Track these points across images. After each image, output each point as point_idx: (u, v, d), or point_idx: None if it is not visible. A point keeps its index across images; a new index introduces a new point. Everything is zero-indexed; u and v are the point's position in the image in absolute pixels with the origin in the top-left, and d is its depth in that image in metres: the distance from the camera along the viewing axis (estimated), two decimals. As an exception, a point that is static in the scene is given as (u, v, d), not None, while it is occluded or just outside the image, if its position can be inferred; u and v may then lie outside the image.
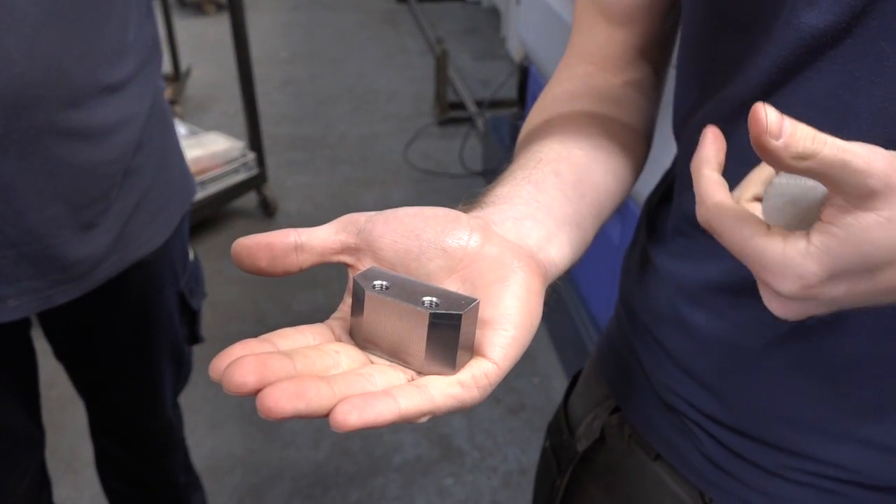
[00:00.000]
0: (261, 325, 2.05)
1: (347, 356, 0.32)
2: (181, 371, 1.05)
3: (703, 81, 0.45)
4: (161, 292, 0.93)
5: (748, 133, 0.41)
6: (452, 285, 0.34)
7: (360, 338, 0.33)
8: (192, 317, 1.01)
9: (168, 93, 2.98)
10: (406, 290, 0.32)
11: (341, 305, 0.36)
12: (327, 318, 0.36)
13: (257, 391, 0.26)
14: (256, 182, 2.48)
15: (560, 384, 1.85)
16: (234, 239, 0.34)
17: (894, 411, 0.41)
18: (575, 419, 0.63)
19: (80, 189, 0.71)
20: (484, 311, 0.32)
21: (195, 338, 1.04)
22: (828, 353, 0.41)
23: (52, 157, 0.67)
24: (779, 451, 0.46)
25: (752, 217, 0.30)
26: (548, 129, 0.48)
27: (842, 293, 0.29)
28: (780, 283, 0.29)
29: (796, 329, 0.42)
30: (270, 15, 4.85)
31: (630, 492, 0.57)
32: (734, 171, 0.43)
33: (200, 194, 2.27)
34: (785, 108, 0.38)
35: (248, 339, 0.30)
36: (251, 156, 2.44)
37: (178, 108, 3.12)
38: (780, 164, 0.27)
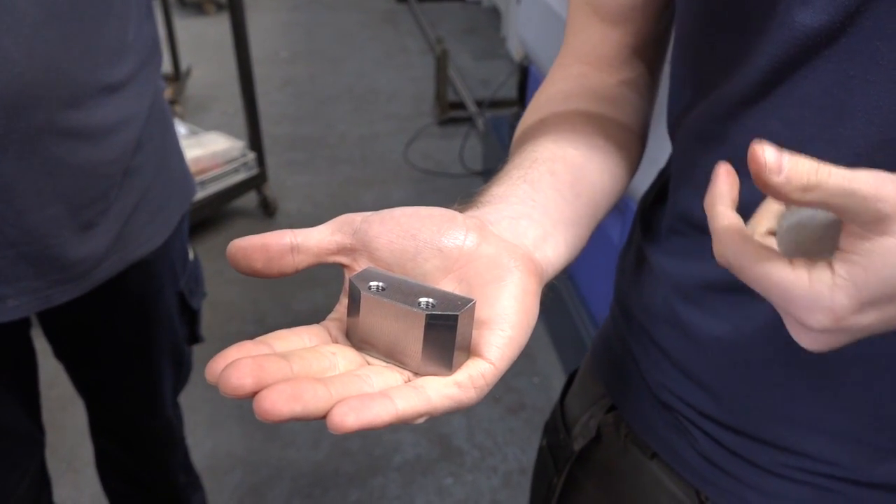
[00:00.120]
0: (260, 325, 2.05)
1: (344, 358, 0.32)
2: (181, 371, 1.05)
3: (698, 81, 0.45)
4: (161, 292, 0.93)
5: (744, 132, 0.41)
6: (449, 285, 0.34)
7: (356, 339, 0.33)
8: (191, 317, 1.01)
9: (168, 92, 2.98)
10: (402, 290, 0.32)
11: (337, 306, 0.36)
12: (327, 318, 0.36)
13: (254, 394, 0.26)
14: (256, 182, 2.48)
15: (560, 384, 1.85)
16: (234, 239, 0.34)
17: (888, 409, 0.41)
18: (571, 418, 0.63)
19: (80, 189, 0.72)
20: (480, 312, 0.32)
21: (195, 338, 1.05)
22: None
23: (52, 156, 0.67)
24: (775, 448, 0.46)
25: (772, 252, 0.30)
26: (543, 128, 0.48)
27: (872, 321, 0.29)
28: (810, 317, 0.29)
29: None
30: (270, 14, 4.85)
31: (627, 490, 0.57)
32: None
33: (200, 194, 2.27)
34: (780, 107, 0.39)
35: (244, 342, 0.30)
36: (251, 155, 2.44)
37: (178, 108, 3.12)
38: (786, 199, 0.27)
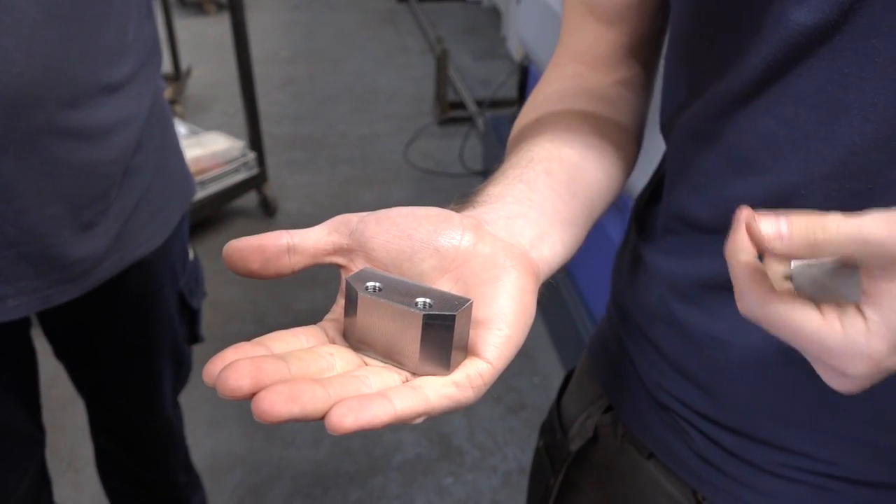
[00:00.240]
0: (261, 325, 2.05)
1: (341, 358, 0.32)
2: (181, 371, 1.05)
3: (692, 79, 0.45)
4: (161, 292, 0.93)
5: (739, 130, 0.41)
6: (445, 285, 0.34)
7: (353, 339, 0.33)
8: (191, 316, 1.01)
9: (168, 92, 2.98)
10: (399, 291, 0.32)
11: (334, 307, 0.36)
12: None
13: (252, 395, 0.26)
14: (257, 182, 2.48)
15: (560, 383, 1.85)
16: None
17: (885, 408, 0.41)
18: (568, 419, 0.63)
19: (80, 189, 0.72)
20: (477, 311, 0.32)
21: (195, 337, 1.05)
22: None
23: (52, 156, 0.67)
24: (771, 448, 0.46)
25: (800, 303, 0.30)
26: (539, 128, 0.48)
27: None
28: (849, 366, 0.29)
29: None
30: (271, 14, 4.85)
31: (624, 491, 0.57)
32: (725, 170, 0.43)
33: (200, 194, 2.27)
34: (774, 105, 0.39)
35: (242, 343, 0.29)
36: (251, 155, 2.44)
37: (178, 108, 3.12)
38: (797, 258, 0.27)
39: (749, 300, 0.31)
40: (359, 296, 0.32)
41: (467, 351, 0.32)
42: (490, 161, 2.73)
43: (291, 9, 5.02)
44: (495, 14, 4.73)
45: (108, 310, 0.89)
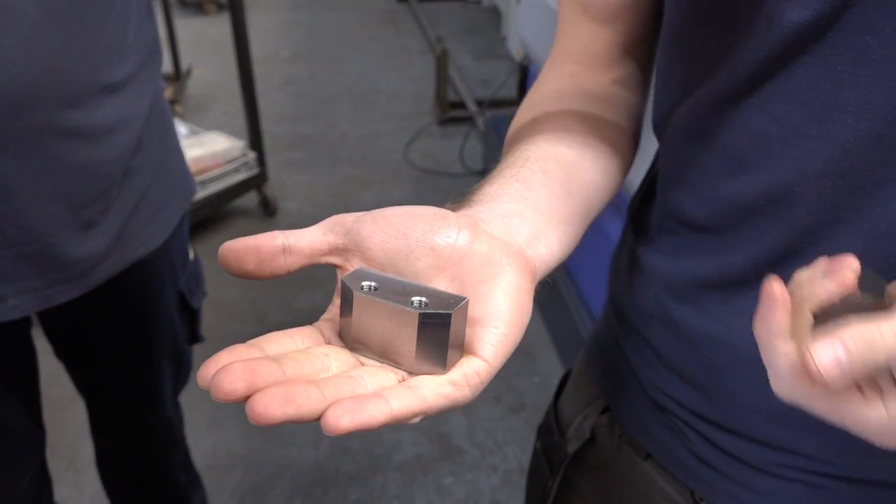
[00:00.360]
0: (261, 325, 2.05)
1: (337, 359, 0.31)
2: (181, 370, 1.05)
3: (685, 78, 0.45)
4: (161, 292, 0.93)
5: (731, 128, 0.41)
6: (442, 284, 0.34)
7: (349, 339, 0.33)
8: (192, 316, 1.02)
9: (168, 92, 2.98)
10: (395, 290, 0.32)
11: (330, 307, 0.35)
12: None
13: (246, 398, 0.26)
14: (257, 181, 2.48)
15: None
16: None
17: None
18: (565, 420, 0.63)
19: (80, 188, 0.72)
20: (474, 309, 0.32)
21: (195, 337, 1.05)
22: None
23: (52, 156, 0.67)
24: (768, 447, 0.46)
25: (843, 391, 0.30)
26: (535, 127, 0.48)
27: None
28: (893, 442, 0.30)
29: None
30: (271, 14, 4.85)
31: (621, 491, 0.57)
32: (719, 168, 0.43)
33: (201, 194, 2.27)
34: (767, 103, 0.39)
35: (236, 345, 0.29)
36: (251, 155, 2.44)
37: (178, 108, 3.12)
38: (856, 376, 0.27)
39: (792, 387, 0.30)
40: (354, 295, 0.31)
41: (464, 349, 0.32)
42: (490, 161, 2.73)
43: (291, 9, 5.02)
44: (495, 14, 4.73)
45: (108, 309, 0.89)
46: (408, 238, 0.34)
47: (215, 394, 0.26)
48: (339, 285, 0.35)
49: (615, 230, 1.60)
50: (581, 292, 1.80)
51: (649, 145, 0.54)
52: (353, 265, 0.35)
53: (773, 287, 0.30)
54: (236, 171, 2.40)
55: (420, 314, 0.30)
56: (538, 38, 2.02)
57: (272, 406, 0.26)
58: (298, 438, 1.70)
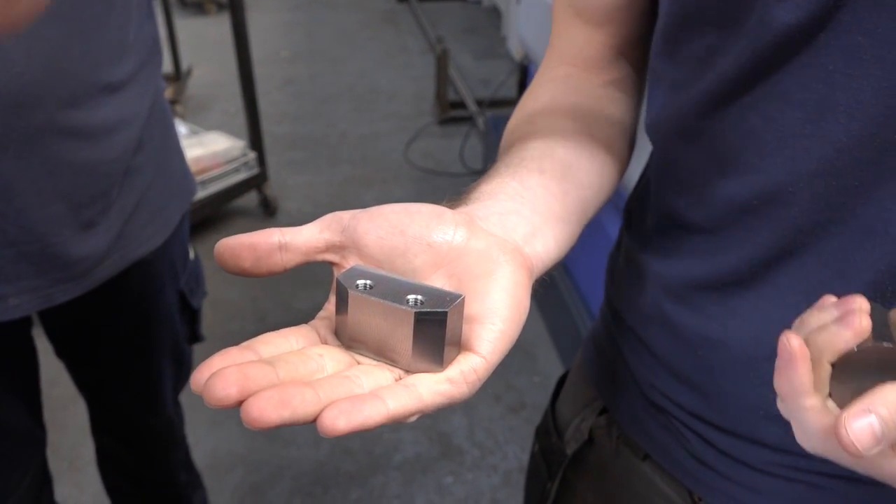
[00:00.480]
0: (261, 324, 2.05)
1: (332, 359, 0.31)
2: (182, 370, 1.05)
3: (677, 79, 0.45)
4: (161, 291, 0.93)
5: (724, 128, 0.41)
6: (438, 280, 0.34)
7: (345, 337, 0.33)
8: (192, 316, 1.02)
9: (169, 92, 2.98)
10: (390, 288, 0.31)
11: (326, 304, 0.35)
12: None
13: (240, 403, 0.26)
14: (257, 181, 2.48)
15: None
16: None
17: None
18: (563, 422, 0.62)
19: (81, 188, 0.72)
20: (471, 306, 0.32)
21: (196, 337, 1.05)
22: None
23: (53, 156, 0.67)
24: (766, 448, 0.46)
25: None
26: (531, 128, 0.48)
27: None
28: None
29: (781, 326, 0.42)
30: (271, 14, 4.86)
31: (620, 493, 0.57)
32: (712, 169, 0.43)
33: (201, 193, 2.27)
34: (759, 103, 0.39)
35: (229, 349, 0.29)
36: (252, 155, 2.44)
37: (178, 108, 3.12)
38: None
39: (822, 443, 0.31)
40: (349, 294, 0.31)
41: (461, 346, 0.32)
42: (490, 161, 2.69)
43: (292, 9, 5.03)
44: (495, 13, 4.73)
45: (109, 309, 0.89)
46: (405, 235, 0.34)
47: (208, 400, 0.26)
48: (334, 283, 0.35)
49: (615, 229, 1.60)
50: (581, 291, 1.80)
51: (645, 147, 0.54)
52: (350, 262, 0.35)
53: (791, 342, 0.30)
54: (236, 170, 2.40)
55: (416, 313, 0.30)
56: (538, 37, 2.02)
57: (267, 410, 0.25)
58: (299, 438, 1.70)
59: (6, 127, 0.63)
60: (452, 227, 0.35)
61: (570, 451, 0.60)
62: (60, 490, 1.02)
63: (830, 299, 0.33)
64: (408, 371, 0.31)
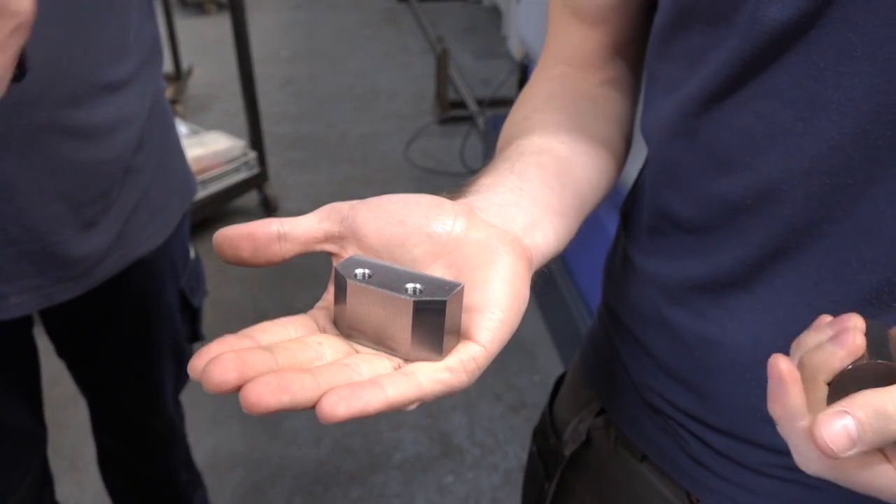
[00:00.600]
0: (262, 324, 2.05)
1: (331, 347, 0.31)
2: (182, 369, 1.05)
3: (669, 77, 0.45)
4: (162, 290, 0.93)
5: (717, 126, 0.42)
6: (438, 271, 0.34)
7: (344, 327, 0.33)
8: (193, 315, 1.02)
9: (169, 92, 2.98)
10: (389, 277, 0.31)
11: (325, 294, 0.35)
12: None
13: (238, 388, 0.26)
14: (257, 181, 2.48)
15: (560, 382, 1.85)
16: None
17: None
18: (560, 423, 0.62)
19: (81, 187, 0.72)
20: (470, 296, 0.32)
21: (196, 336, 1.05)
22: None
23: (53, 155, 0.68)
24: (763, 449, 0.46)
25: (869, 459, 0.30)
26: (528, 125, 0.49)
27: None
28: None
29: (778, 326, 0.42)
30: (271, 14, 4.86)
31: (618, 493, 0.57)
32: (705, 167, 0.43)
33: (201, 193, 2.27)
34: (751, 100, 0.39)
35: (227, 336, 0.29)
36: (252, 155, 2.44)
37: (179, 108, 3.12)
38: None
39: (813, 462, 0.31)
40: (348, 283, 0.31)
41: (460, 335, 0.32)
42: (490, 160, 2.73)
43: (292, 8, 5.03)
44: (496, 13, 4.73)
45: (109, 308, 0.89)
46: (404, 225, 0.34)
47: (207, 385, 0.26)
48: (333, 273, 0.35)
49: (614, 227, 1.60)
50: (581, 290, 1.81)
51: (641, 148, 0.54)
52: (349, 253, 0.35)
53: (780, 364, 0.30)
54: (237, 170, 2.40)
55: (415, 301, 0.30)
56: (538, 37, 2.02)
57: (265, 394, 0.25)
58: (299, 437, 1.70)
59: (7, 126, 0.63)
60: (452, 217, 0.35)
61: (567, 452, 0.60)
62: (61, 489, 1.02)
63: (826, 319, 0.33)
64: (407, 360, 0.31)
